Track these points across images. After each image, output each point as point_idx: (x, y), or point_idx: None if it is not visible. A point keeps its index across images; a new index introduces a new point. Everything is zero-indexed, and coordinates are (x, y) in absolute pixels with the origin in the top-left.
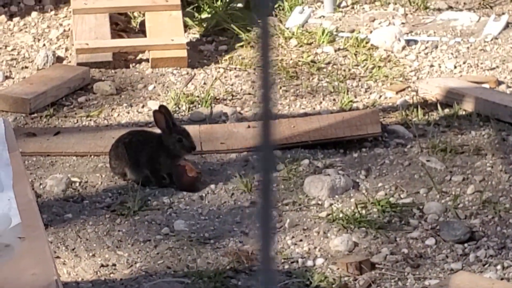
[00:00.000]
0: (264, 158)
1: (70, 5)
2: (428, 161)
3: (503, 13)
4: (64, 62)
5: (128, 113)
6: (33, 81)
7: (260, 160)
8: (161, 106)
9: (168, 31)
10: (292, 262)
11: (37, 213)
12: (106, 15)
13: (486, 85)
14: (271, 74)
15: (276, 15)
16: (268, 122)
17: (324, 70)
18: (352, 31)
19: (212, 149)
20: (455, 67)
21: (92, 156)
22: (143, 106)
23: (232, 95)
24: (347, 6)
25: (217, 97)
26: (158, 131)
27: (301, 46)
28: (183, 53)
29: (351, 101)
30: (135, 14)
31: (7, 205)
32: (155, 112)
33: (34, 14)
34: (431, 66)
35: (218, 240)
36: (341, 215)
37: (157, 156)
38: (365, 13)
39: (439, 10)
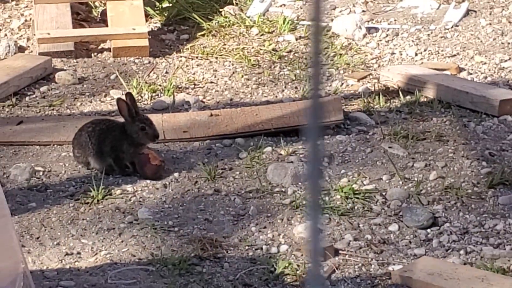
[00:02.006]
0: (313, 140)
1: None
2: (390, 147)
3: (463, 1)
4: (26, 52)
5: (91, 102)
6: None
7: (309, 143)
8: (127, 93)
9: (130, 20)
10: (256, 249)
11: (3, 201)
12: (68, 4)
13: (447, 72)
14: (322, 62)
15: (237, 4)
16: (317, 104)
17: (286, 58)
18: None
19: (175, 138)
20: (416, 54)
21: (55, 146)
22: (105, 96)
23: (194, 84)
24: None
25: (179, 86)
26: (122, 120)
27: (262, 34)
28: (145, 42)
29: None
30: (96, 3)
31: None
32: (118, 100)
33: None
34: (392, 53)
35: (182, 227)
36: (304, 202)
37: (120, 144)
38: (326, 1)
39: None
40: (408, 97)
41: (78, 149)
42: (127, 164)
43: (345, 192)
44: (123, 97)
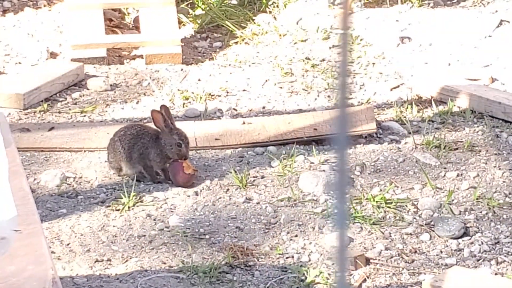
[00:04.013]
0: (340, 148)
1: (63, 0)
2: (422, 157)
3: (497, 11)
4: (58, 58)
5: (123, 109)
6: (27, 77)
7: (336, 151)
8: (162, 106)
9: (162, 27)
10: (287, 258)
11: (33, 207)
12: (100, 11)
13: (480, 82)
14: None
15: (270, 12)
16: (344, 112)
17: (319, 66)
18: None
19: (207, 145)
20: (449, 64)
21: (87, 152)
22: (137, 102)
23: (227, 92)
24: (342, 3)
25: (212, 94)
26: (153, 126)
27: (295, 43)
28: (178, 49)
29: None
30: (129, 10)
31: (3, 197)
32: (153, 111)
33: (27, 9)
34: (426, 63)
35: (213, 235)
36: (334, 211)
37: (148, 153)
38: (360, 10)
39: (434, 7)
40: (440, 107)
41: (111, 153)
42: (158, 171)
43: (376, 201)
44: (157, 109)
